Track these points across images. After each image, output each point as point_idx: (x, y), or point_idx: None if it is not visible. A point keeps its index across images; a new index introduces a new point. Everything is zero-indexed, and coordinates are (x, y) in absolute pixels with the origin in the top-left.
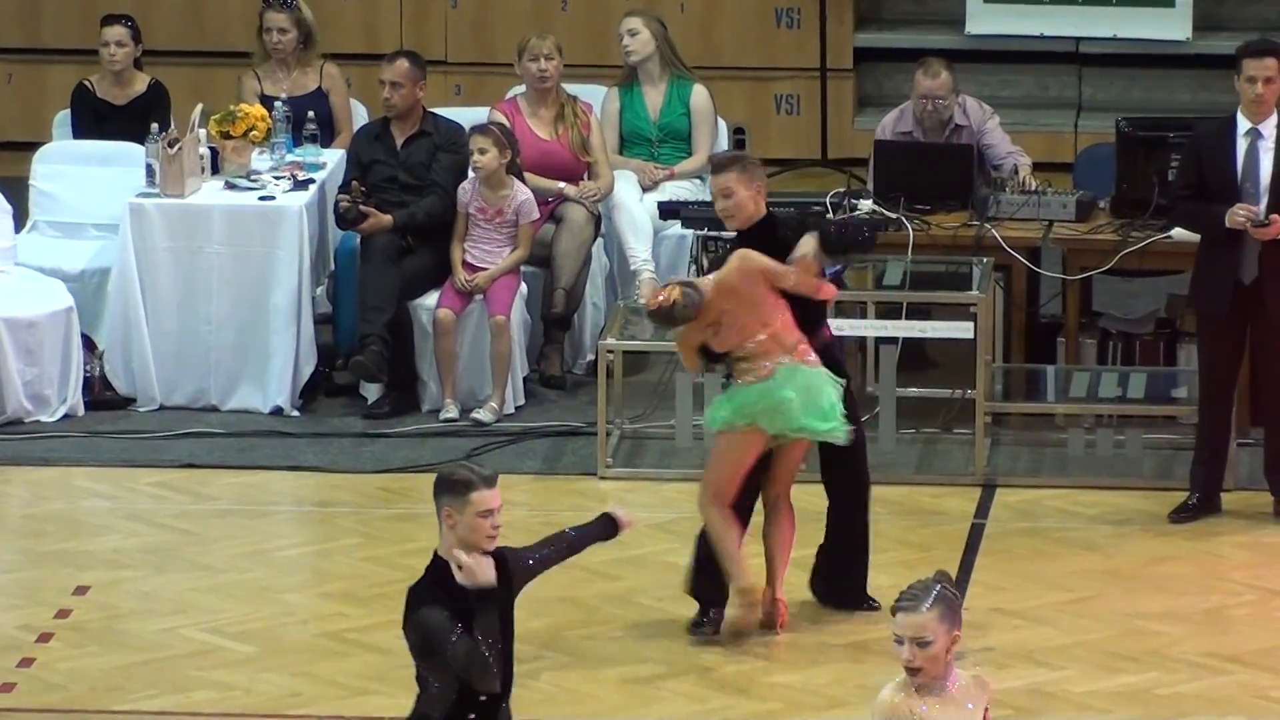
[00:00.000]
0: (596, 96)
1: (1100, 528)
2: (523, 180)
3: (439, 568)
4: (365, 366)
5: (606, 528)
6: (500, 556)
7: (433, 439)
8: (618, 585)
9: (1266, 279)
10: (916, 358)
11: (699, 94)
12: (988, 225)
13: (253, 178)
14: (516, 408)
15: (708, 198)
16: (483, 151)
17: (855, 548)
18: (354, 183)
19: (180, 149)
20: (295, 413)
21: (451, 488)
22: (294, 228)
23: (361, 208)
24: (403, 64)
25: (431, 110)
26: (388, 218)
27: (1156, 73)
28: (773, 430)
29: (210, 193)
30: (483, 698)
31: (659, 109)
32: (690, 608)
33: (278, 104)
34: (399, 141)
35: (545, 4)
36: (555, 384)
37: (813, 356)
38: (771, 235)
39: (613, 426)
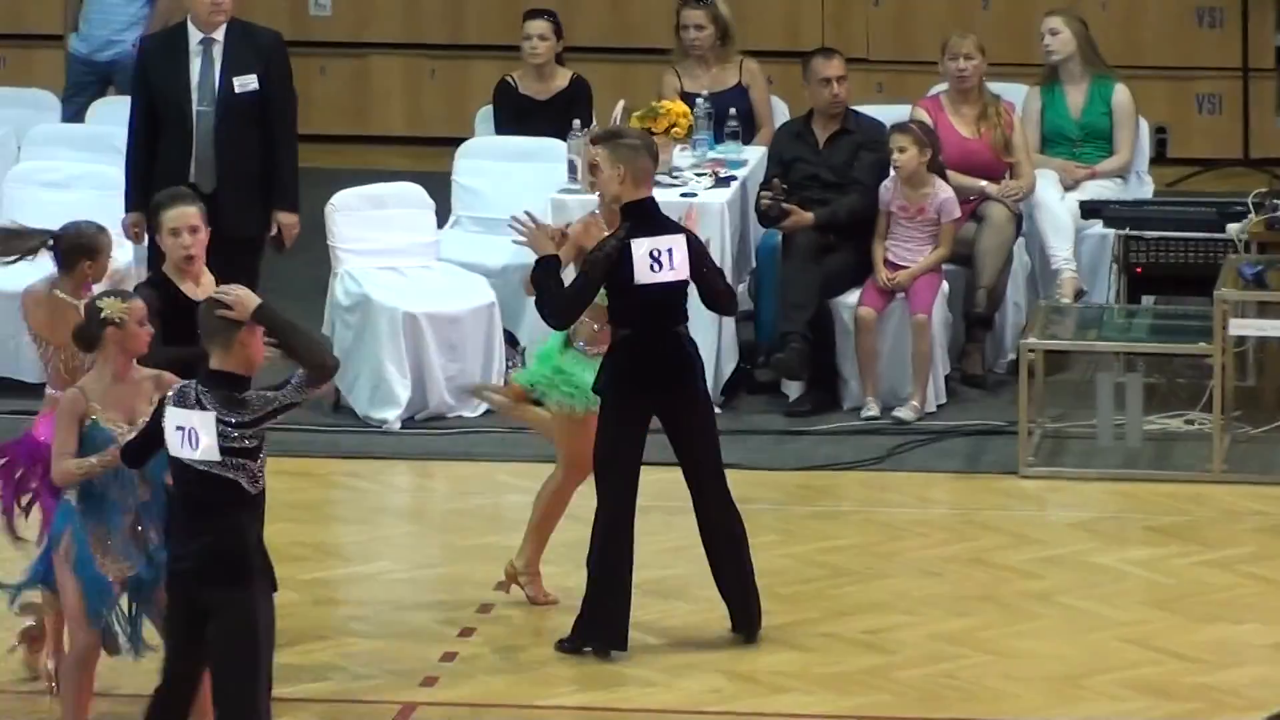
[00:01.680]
0: (1018, 95)
1: None
2: (944, 178)
3: None
4: (787, 364)
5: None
6: None
7: (853, 437)
8: (1039, 584)
9: None
10: None
11: (1121, 93)
12: None
13: (675, 174)
14: (938, 406)
15: (1130, 197)
16: (903, 150)
17: None
18: (775, 180)
19: None
20: (717, 410)
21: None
22: (716, 224)
23: (784, 205)
24: (841, 60)
25: (853, 108)
26: (809, 215)
27: None
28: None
29: None
30: None
31: (1080, 108)
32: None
33: (699, 100)
34: (821, 139)
35: (966, 2)
36: (976, 383)
37: None
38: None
39: (1034, 425)
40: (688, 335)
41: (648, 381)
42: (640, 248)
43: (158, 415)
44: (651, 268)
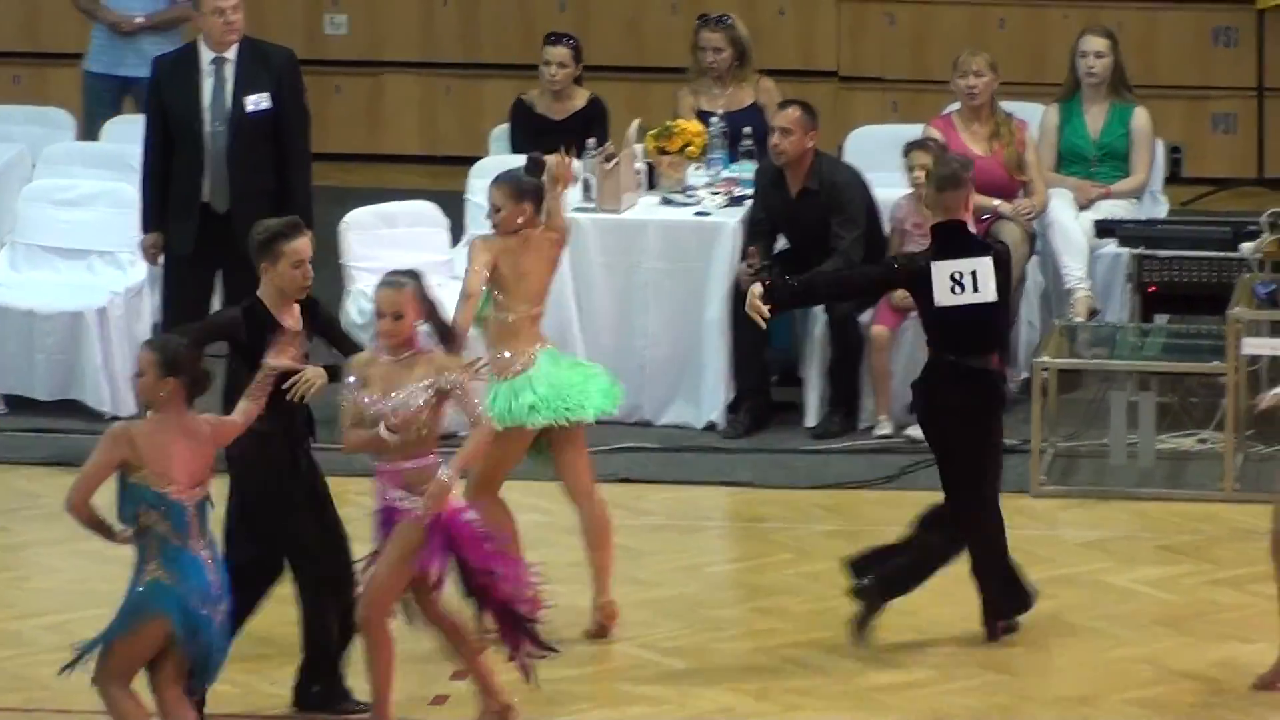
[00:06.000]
0: (1032, 114)
1: None
2: None
3: None
4: (734, 431)
5: None
6: None
7: (866, 455)
8: (1051, 604)
9: None
10: None
11: (1140, 116)
12: None
13: (688, 193)
14: None
15: (1144, 216)
16: (923, 167)
17: None
18: (752, 249)
19: (617, 164)
20: (729, 428)
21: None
22: (729, 244)
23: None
24: (797, 112)
25: (822, 153)
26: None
27: None
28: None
29: (646, 208)
30: None
31: (1099, 129)
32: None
33: (714, 119)
34: (793, 190)
35: (983, 22)
36: None
37: None
38: None
39: (1046, 444)
40: None
41: None
42: None
43: None
44: None
